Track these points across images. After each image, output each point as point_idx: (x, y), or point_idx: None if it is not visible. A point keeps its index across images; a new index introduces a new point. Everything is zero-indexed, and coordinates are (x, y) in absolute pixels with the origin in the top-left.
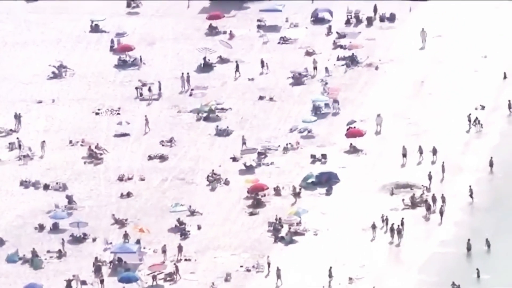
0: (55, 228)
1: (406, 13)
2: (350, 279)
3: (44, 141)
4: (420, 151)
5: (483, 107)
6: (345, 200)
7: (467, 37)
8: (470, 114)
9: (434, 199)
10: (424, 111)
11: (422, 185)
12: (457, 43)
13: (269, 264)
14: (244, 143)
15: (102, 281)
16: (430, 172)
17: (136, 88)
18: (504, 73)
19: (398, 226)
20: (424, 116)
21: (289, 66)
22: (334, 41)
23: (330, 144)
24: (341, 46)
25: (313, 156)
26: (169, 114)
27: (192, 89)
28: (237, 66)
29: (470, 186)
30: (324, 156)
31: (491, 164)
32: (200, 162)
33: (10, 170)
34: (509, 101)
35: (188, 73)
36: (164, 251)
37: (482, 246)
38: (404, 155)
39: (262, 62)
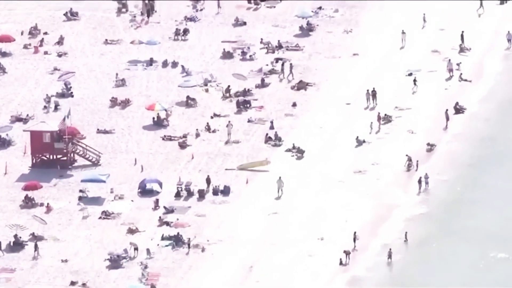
0: None
1: (242, 185)
2: None
3: None
4: None
5: None
6: None
7: (303, 215)
8: None
9: None
10: None
11: None
12: (292, 221)
13: None
14: None
15: None
16: None
17: None
18: (340, 259)
19: None
20: None
21: (108, 245)
22: (160, 217)
23: None
24: (167, 223)
25: None
26: None
27: None
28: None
29: None
30: None
31: None
32: None
33: None
34: None
35: None
36: None
37: None
38: None
39: (35, 245)
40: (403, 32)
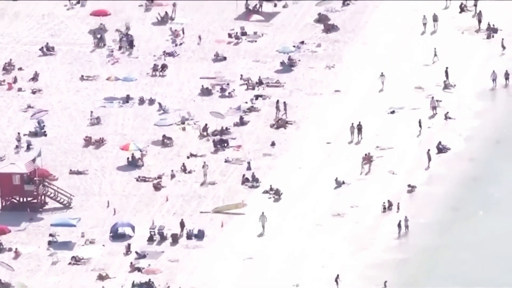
0: None
1: (217, 229)
2: None
3: None
4: None
5: None
6: None
7: (279, 261)
8: None
9: None
10: None
11: None
12: (268, 267)
13: None
14: None
15: None
16: None
17: None
18: None
19: None
20: None
21: None
22: (131, 262)
23: None
24: (139, 269)
25: None
26: None
27: None
28: None
29: None
30: None
31: None
32: None
33: None
34: None
35: None
36: None
37: None
38: None
39: None
40: (382, 75)
